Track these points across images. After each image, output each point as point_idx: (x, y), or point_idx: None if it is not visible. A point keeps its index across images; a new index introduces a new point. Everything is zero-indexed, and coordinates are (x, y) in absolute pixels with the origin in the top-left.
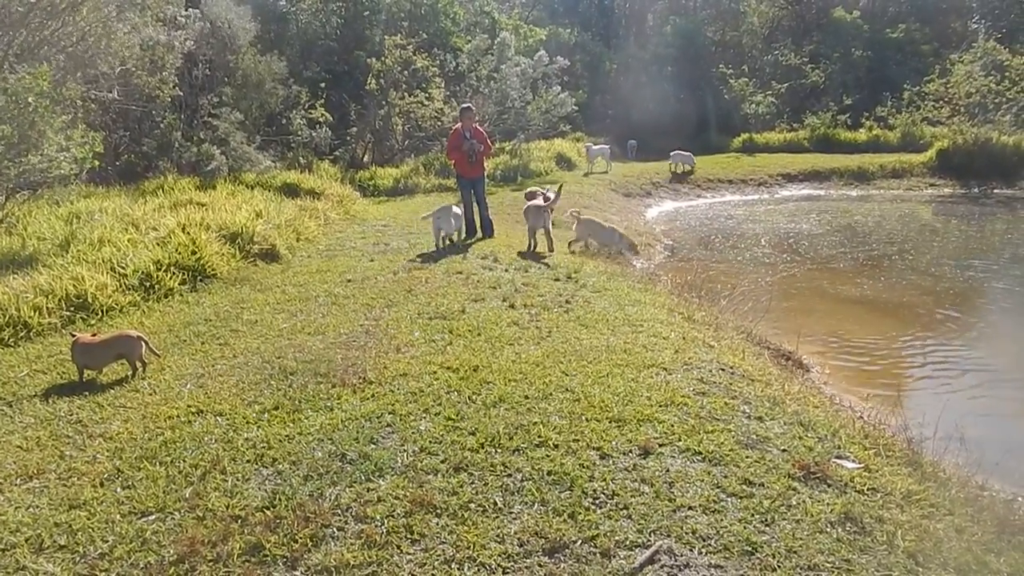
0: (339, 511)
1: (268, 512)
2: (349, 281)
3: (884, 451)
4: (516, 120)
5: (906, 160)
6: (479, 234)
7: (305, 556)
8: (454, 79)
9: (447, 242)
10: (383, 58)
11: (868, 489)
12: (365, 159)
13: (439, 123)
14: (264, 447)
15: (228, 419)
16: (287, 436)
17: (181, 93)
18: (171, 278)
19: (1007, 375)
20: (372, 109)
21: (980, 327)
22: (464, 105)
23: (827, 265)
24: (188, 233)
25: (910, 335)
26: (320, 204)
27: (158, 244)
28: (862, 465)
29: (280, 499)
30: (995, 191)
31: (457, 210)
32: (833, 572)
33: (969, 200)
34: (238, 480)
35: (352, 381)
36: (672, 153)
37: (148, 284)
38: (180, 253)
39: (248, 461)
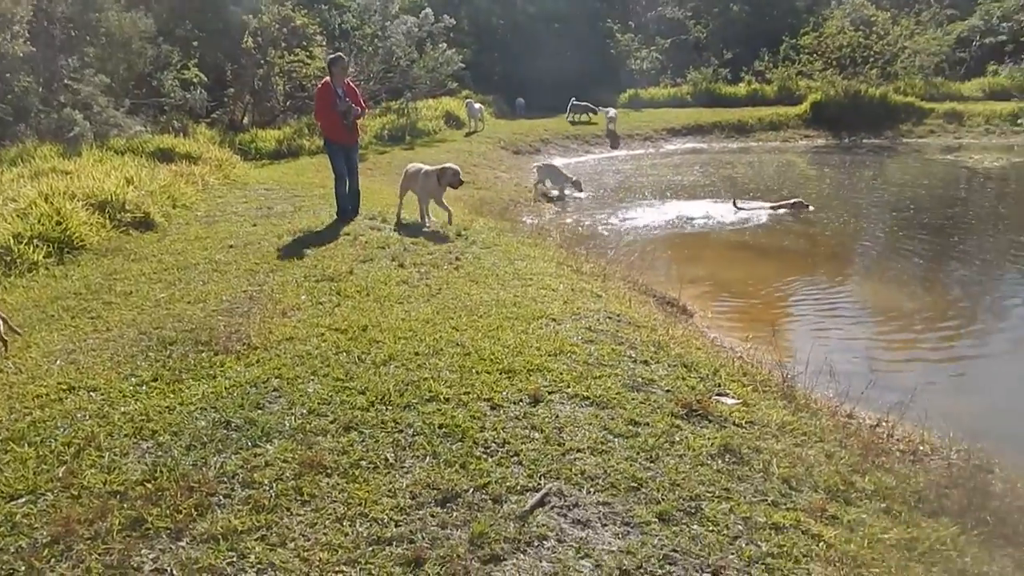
0: (225, 479)
1: (149, 485)
2: (231, 247)
3: (761, 386)
4: (402, 79)
5: (783, 113)
6: (355, 213)
7: (190, 526)
8: (339, 37)
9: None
10: (260, 15)
11: (746, 422)
12: (245, 121)
13: None
14: (143, 420)
15: (103, 394)
16: (167, 407)
17: (34, 49)
18: (34, 251)
19: (874, 311)
20: (250, 69)
21: (850, 267)
22: (334, 55)
23: (708, 215)
24: (51, 203)
25: (787, 277)
26: (198, 169)
27: (18, 216)
28: (740, 400)
29: (161, 471)
30: (864, 141)
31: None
32: (714, 501)
33: (841, 150)
34: (115, 455)
35: (236, 348)
36: (605, 109)
37: (8, 259)
38: (43, 224)
39: (126, 435)
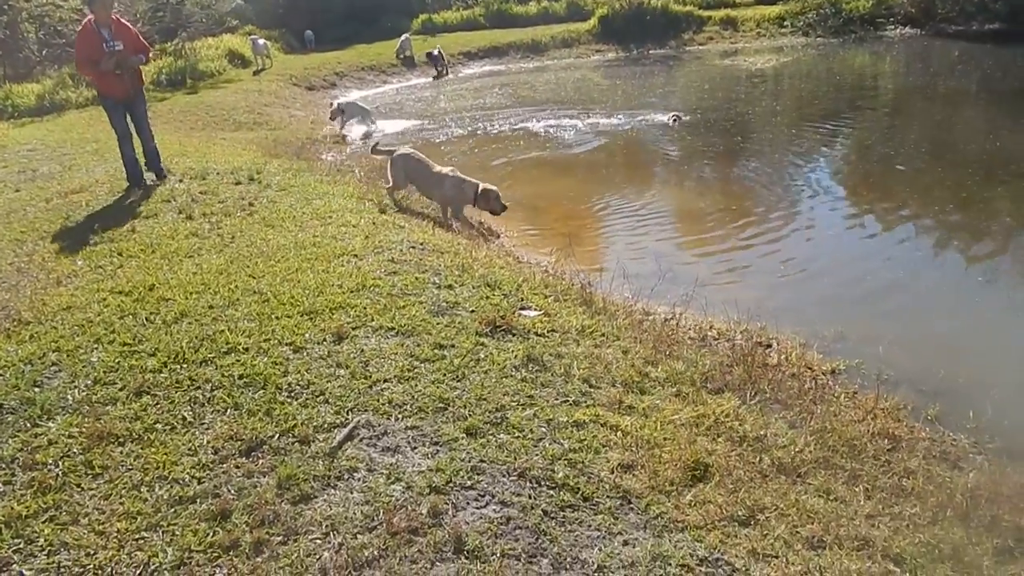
0: (3, 465)
1: None
2: None
3: (562, 296)
4: (174, 17)
5: (574, 29)
6: (146, 181)
7: None
8: None
9: None
10: None
11: (548, 331)
12: None
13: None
14: None
15: None
16: None
17: None
18: None
19: (669, 213)
20: None
21: (647, 174)
22: None
23: (512, 136)
24: None
25: (590, 189)
26: None
27: None
28: (542, 311)
29: None
30: (651, 52)
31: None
32: (518, 409)
33: (630, 62)
34: None
35: (4, 326)
36: (431, 53)
37: None
38: None
39: None
